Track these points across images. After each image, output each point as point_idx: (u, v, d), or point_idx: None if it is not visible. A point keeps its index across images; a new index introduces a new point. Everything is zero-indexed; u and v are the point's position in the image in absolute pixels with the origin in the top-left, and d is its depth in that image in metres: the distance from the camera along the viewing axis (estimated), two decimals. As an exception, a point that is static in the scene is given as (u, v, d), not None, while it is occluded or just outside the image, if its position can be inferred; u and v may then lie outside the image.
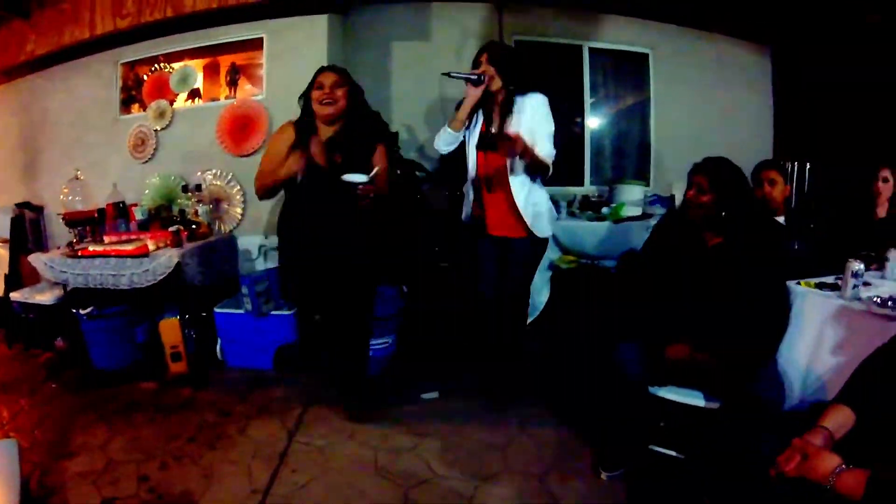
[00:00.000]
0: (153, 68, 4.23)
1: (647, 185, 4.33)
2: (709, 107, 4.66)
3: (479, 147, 2.69)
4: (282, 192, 2.69)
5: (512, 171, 2.63)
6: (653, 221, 3.56)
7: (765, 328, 2.11)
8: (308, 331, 3.37)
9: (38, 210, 4.54)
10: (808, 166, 4.18)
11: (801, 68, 4.52)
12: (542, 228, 2.76)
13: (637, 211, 3.75)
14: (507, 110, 2.62)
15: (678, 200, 3.74)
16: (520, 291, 2.92)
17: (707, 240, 2.21)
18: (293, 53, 3.84)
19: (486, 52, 2.63)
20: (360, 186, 2.41)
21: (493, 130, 2.68)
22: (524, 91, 2.63)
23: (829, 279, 2.38)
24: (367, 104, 2.74)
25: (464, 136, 2.73)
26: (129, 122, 4.29)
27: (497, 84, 2.60)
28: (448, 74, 2.61)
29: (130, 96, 4.33)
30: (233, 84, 4.11)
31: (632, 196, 3.84)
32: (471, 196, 2.83)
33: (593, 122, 4.60)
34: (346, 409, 2.84)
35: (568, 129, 4.56)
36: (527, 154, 2.47)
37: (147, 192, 4.01)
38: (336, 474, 2.38)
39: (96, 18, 4.00)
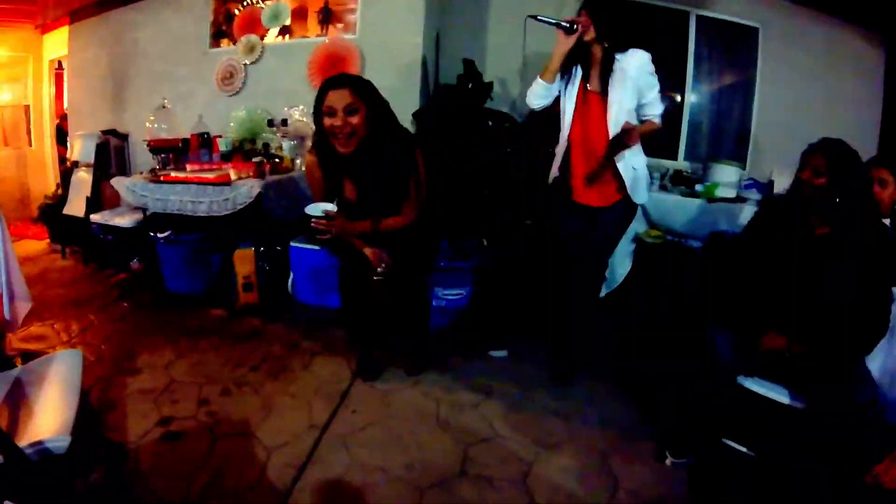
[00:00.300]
0: (245, 3, 4.22)
1: (744, 167, 4.06)
2: (816, 93, 4.33)
3: (609, 155, 2.46)
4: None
5: (612, 126, 2.44)
6: (748, 206, 3.34)
7: (865, 330, 1.92)
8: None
9: (124, 138, 4.69)
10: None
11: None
12: (641, 193, 2.58)
13: (731, 193, 3.50)
14: (607, 68, 2.42)
15: (778, 187, 3.48)
16: (600, 260, 2.74)
17: (814, 227, 2.02)
18: (389, -1, 3.75)
19: (585, 5, 2.41)
20: (313, 220, 2.19)
21: (590, 88, 2.48)
22: (624, 48, 2.42)
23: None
24: (394, 117, 2.33)
25: (559, 91, 2.54)
26: (217, 55, 4.33)
27: (592, 35, 2.37)
28: (534, 17, 2.39)
29: (220, 30, 4.35)
30: (325, 22, 4.04)
31: (727, 177, 3.59)
32: (560, 158, 2.63)
33: (693, 95, 4.34)
34: (407, 370, 2.74)
35: (667, 99, 4.30)
36: (639, 137, 2.40)
37: (232, 124, 4.02)
38: (396, 421, 2.33)
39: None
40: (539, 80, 2.47)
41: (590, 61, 2.46)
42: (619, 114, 2.40)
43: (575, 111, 2.52)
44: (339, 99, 2.11)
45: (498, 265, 3.15)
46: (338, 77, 2.21)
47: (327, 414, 2.34)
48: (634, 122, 2.43)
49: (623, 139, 2.34)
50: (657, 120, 2.49)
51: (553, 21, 2.36)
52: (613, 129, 2.42)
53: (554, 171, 2.67)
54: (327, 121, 2.14)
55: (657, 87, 2.45)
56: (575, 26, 2.34)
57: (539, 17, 2.37)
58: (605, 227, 2.62)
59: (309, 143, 3.81)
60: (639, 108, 2.47)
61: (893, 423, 1.99)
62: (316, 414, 2.34)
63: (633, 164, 2.50)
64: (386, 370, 2.73)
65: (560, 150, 2.61)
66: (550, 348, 2.93)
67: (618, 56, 2.39)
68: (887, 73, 4.42)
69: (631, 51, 2.41)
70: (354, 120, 2.13)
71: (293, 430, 2.23)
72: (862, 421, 1.87)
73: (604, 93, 2.43)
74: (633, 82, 2.39)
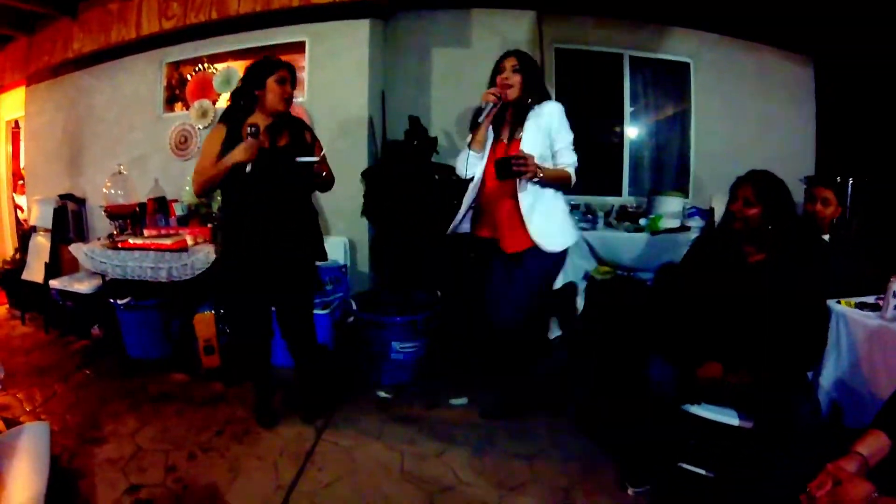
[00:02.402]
0: (197, 69, 4.32)
1: (686, 196, 4.24)
2: (750, 119, 4.56)
3: (499, 177, 2.45)
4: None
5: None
6: (691, 234, 3.49)
7: (804, 348, 2.03)
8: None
9: (81, 202, 4.68)
10: (851, 182, 4.07)
11: (845, 81, 4.40)
12: (551, 241, 2.54)
13: (675, 223, 3.66)
14: (521, 118, 2.51)
15: (718, 214, 3.66)
16: (520, 316, 2.65)
17: (748, 255, 2.14)
18: (335, 57, 3.89)
19: (515, 57, 2.53)
20: (315, 165, 2.44)
21: (504, 140, 2.56)
22: (539, 101, 2.53)
23: (870, 299, 2.31)
24: None
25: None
26: (171, 120, 4.39)
27: (514, 93, 2.49)
28: (476, 120, 2.53)
29: (174, 95, 4.44)
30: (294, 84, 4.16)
31: (670, 207, 3.76)
32: (469, 204, 2.67)
33: (632, 131, 4.53)
34: (303, 418, 2.81)
35: (607, 138, 4.52)
36: (538, 174, 2.39)
37: (187, 188, 4.08)
38: (362, 476, 2.37)
39: (142, 19, 4.12)
40: (470, 151, 2.57)
41: (505, 115, 2.58)
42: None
43: (488, 162, 2.57)
44: (289, 73, 2.51)
45: (452, 315, 3.24)
46: (285, 62, 2.56)
47: (293, 473, 2.37)
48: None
49: (514, 164, 2.33)
50: (570, 169, 2.51)
51: (485, 112, 2.48)
52: (521, 183, 2.48)
53: (459, 223, 2.73)
54: (279, 88, 2.46)
55: (569, 137, 2.52)
56: (499, 98, 2.46)
57: (479, 120, 2.52)
58: (521, 273, 2.60)
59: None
60: (553, 157, 2.53)
61: (851, 426, 2.09)
62: (282, 474, 2.37)
63: (540, 208, 2.51)
64: (353, 422, 2.79)
65: (467, 200, 2.66)
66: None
67: (534, 108, 2.50)
68: (818, 93, 4.66)
69: (545, 102, 2.52)
70: (293, 89, 2.55)
71: (261, 492, 2.25)
72: (810, 436, 1.97)
73: (517, 136, 2.51)
74: (546, 130, 2.48)
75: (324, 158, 2.49)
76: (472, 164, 2.59)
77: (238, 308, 2.72)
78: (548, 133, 2.49)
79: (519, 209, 2.49)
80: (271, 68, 2.48)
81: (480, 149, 2.57)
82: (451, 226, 2.73)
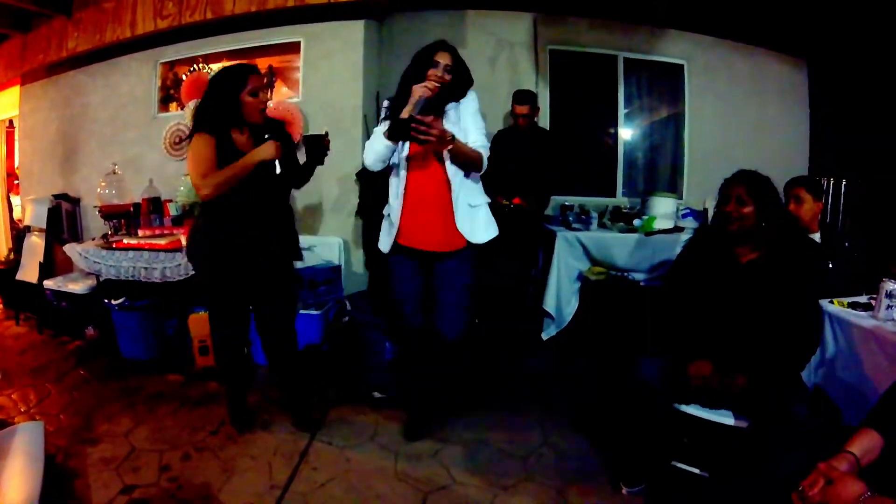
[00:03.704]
0: (192, 68, 4.32)
1: (680, 197, 4.27)
2: (744, 120, 4.61)
3: (391, 137, 2.33)
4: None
5: (448, 164, 2.39)
6: (685, 235, 3.51)
7: (796, 347, 2.04)
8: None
9: (75, 202, 4.68)
10: (843, 183, 4.10)
11: (837, 82, 4.43)
12: (478, 234, 2.47)
13: (669, 224, 3.69)
14: (437, 112, 2.39)
15: (711, 214, 3.69)
16: (459, 325, 2.58)
17: (740, 256, 2.16)
18: (330, 58, 3.90)
19: (450, 55, 2.40)
20: (326, 139, 2.49)
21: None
22: (463, 94, 2.45)
23: (863, 299, 2.34)
24: None
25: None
26: (166, 120, 4.40)
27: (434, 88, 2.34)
28: (400, 113, 2.31)
29: (168, 95, 4.44)
30: (269, 86, 4.17)
31: (664, 208, 3.78)
32: (395, 212, 2.50)
33: (627, 133, 4.57)
34: (296, 424, 2.77)
35: (601, 139, 4.56)
36: (447, 139, 2.24)
37: (182, 188, 4.07)
38: (355, 476, 2.38)
39: (137, 18, 4.12)
40: (385, 140, 2.36)
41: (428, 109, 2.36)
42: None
43: (410, 162, 2.45)
44: (260, 80, 2.43)
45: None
46: (252, 66, 2.54)
47: (287, 473, 2.37)
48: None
49: (413, 127, 2.17)
50: (482, 151, 2.41)
51: (418, 107, 2.27)
52: (450, 167, 2.39)
53: (386, 235, 2.58)
54: (252, 99, 2.38)
55: (479, 123, 2.45)
56: (432, 93, 2.33)
57: (412, 114, 2.24)
58: (449, 275, 2.52)
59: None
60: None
61: (849, 425, 2.07)
62: (276, 474, 2.37)
63: (469, 201, 2.45)
64: (347, 422, 2.80)
65: (396, 205, 2.50)
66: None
67: (452, 103, 2.43)
68: (811, 95, 4.70)
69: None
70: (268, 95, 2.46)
71: (255, 491, 2.26)
72: (795, 437, 1.99)
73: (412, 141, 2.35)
74: (461, 119, 2.42)
75: (327, 134, 2.52)
76: (383, 157, 2.43)
77: (218, 309, 2.65)
78: (463, 118, 2.43)
79: (450, 203, 2.42)
80: (241, 82, 2.37)
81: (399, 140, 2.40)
82: (382, 242, 2.61)
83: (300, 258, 2.75)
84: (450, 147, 2.29)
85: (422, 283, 2.60)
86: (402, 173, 2.47)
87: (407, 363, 2.89)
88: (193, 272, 3.06)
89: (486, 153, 2.43)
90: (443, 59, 2.38)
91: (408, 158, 2.45)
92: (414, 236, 2.49)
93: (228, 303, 2.60)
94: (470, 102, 2.45)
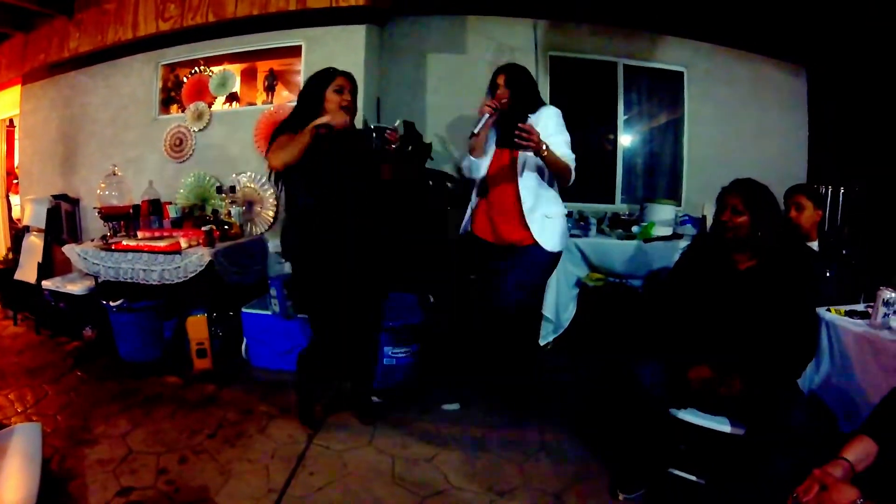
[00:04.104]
0: (193, 71, 4.34)
1: (679, 204, 4.28)
2: (743, 127, 4.62)
3: (499, 145, 2.70)
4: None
5: (521, 174, 2.65)
6: (683, 242, 3.53)
7: (793, 354, 2.06)
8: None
9: (74, 203, 4.67)
10: (841, 190, 4.12)
11: (837, 88, 4.45)
12: (549, 240, 2.69)
13: (668, 231, 3.70)
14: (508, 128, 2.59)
15: (710, 221, 3.70)
16: (526, 301, 2.83)
17: (738, 263, 2.17)
18: (331, 62, 3.84)
19: (504, 73, 2.67)
20: (388, 133, 2.48)
21: (503, 146, 2.70)
22: (535, 109, 2.67)
23: (860, 307, 2.35)
24: None
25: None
26: (166, 122, 4.40)
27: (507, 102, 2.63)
28: (473, 134, 2.59)
29: (169, 97, 4.45)
30: (270, 89, 4.19)
31: (663, 215, 3.80)
32: (474, 206, 2.86)
33: (626, 139, 4.58)
34: (360, 417, 2.85)
35: (600, 145, 4.56)
36: (542, 148, 2.44)
37: (181, 190, 4.10)
38: (353, 480, 2.37)
39: (139, 20, 4.13)
40: (471, 158, 2.72)
41: (506, 125, 2.64)
42: (527, 163, 2.62)
43: (489, 168, 2.73)
44: (347, 82, 2.57)
45: (444, 320, 3.26)
46: (344, 70, 2.64)
47: (285, 477, 2.37)
48: (545, 178, 2.66)
49: (517, 134, 2.39)
50: (569, 161, 2.60)
51: (481, 123, 2.56)
52: (523, 180, 2.64)
53: (465, 225, 2.90)
54: (337, 97, 2.50)
55: (565, 137, 2.64)
56: (496, 109, 2.57)
57: (474, 132, 2.57)
58: (523, 262, 2.71)
59: (258, 209, 3.96)
60: None
61: (844, 432, 2.10)
62: (274, 477, 2.37)
63: (542, 210, 2.67)
64: (344, 426, 2.80)
65: (474, 199, 2.85)
66: (501, 397, 3.03)
67: (531, 116, 2.63)
68: (811, 101, 4.71)
69: (542, 108, 2.67)
70: (353, 98, 2.59)
71: (252, 494, 2.25)
72: (801, 442, 1.99)
73: (516, 147, 2.54)
74: (543, 131, 2.51)
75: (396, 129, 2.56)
76: (477, 169, 2.74)
77: (313, 309, 2.71)
78: (545, 136, 2.51)
79: (521, 209, 2.64)
80: (328, 78, 2.53)
81: (480, 155, 2.70)
82: (462, 227, 2.91)
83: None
84: (545, 154, 2.46)
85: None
86: (482, 184, 2.79)
87: None
88: (194, 274, 3.10)
89: (573, 164, 2.61)
90: (501, 79, 2.66)
91: (487, 171, 2.74)
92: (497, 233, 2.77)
93: (322, 300, 2.62)
94: (551, 116, 2.64)
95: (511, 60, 2.78)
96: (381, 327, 2.89)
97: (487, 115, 2.55)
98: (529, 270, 2.75)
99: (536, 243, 2.66)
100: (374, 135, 2.49)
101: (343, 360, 2.80)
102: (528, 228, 2.65)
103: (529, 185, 2.65)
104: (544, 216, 2.67)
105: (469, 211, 2.88)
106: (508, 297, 2.73)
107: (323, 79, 2.54)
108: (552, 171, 2.61)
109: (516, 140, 2.41)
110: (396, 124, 2.61)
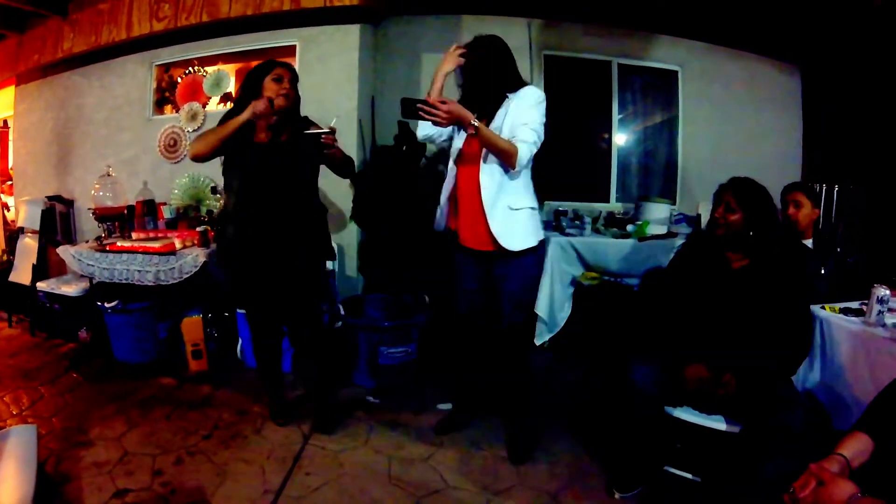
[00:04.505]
0: (187, 71, 4.33)
1: (674, 203, 4.30)
2: (737, 126, 4.63)
3: (403, 115, 2.26)
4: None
5: (485, 159, 2.32)
6: (678, 240, 3.53)
7: (787, 352, 2.06)
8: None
9: (69, 204, 4.66)
10: (836, 188, 4.13)
11: (831, 88, 4.47)
12: (517, 239, 2.35)
13: (662, 229, 3.71)
14: (496, 107, 2.33)
15: (704, 220, 3.71)
16: (516, 317, 2.51)
17: (731, 261, 2.18)
18: (325, 61, 3.90)
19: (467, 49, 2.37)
20: (323, 136, 2.34)
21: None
22: (515, 87, 2.34)
23: (854, 304, 2.36)
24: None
25: (449, 142, 2.51)
26: (161, 122, 4.39)
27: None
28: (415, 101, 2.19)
29: (164, 97, 4.43)
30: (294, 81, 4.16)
31: (657, 214, 3.81)
32: (444, 204, 2.53)
33: (621, 138, 4.58)
34: (314, 426, 2.78)
35: (595, 144, 4.57)
36: (471, 129, 2.18)
37: (176, 191, 4.09)
38: (349, 480, 2.38)
39: (133, 20, 4.12)
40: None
41: (480, 106, 2.32)
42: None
43: (459, 155, 2.42)
44: (286, 72, 2.51)
45: (440, 320, 3.25)
46: (283, 61, 2.60)
47: (281, 477, 2.37)
48: None
49: (419, 106, 2.14)
50: (520, 145, 2.21)
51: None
52: (486, 166, 2.32)
53: (439, 221, 2.59)
54: (275, 85, 2.45)
55: (534, 116, 2.27)
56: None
57: (418, 100, 2.19)
58: (496, 277, 2.46)
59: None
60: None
61: (838, 429, 2.11)
62: (270, 478, 2.37)
63: (505, 203, 2.34)
64: (340, 426, 2.80)
65: (444, 197, 2.52)
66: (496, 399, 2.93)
67: (509, 95, 2.32)
68: (805, 101, 4.73)
69: (522, 88, 2.33)
70: (292, 88, 2.52)
71: (248, 495, 2.25)
72: (796, 440, 2.00)
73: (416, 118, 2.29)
74: (515, 109, 2.28)
75: (333, 131, 2.37)
76: (422, 127, 2.46)
77: (249, 315, 2.75)
78: (515, 114, 2.28)
79: (481, 202, 2.33)
80: (267, 68, 2.51)
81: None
82: (435, 222, 2.61)
83: (332, 257, 2.76)
84: (472, 132, 2.21)
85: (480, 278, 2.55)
86: (452, 172, 2.46)
87: None
88: (189, 275, 3.10)
89: (527, 148, 2.23)
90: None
91: (458, 156, 2.42)
92: (464, 238, 2.49)
93: (254, 307, 2.68)
94: (526, 97, 2.30)
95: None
96: (317, 329, 2.76)
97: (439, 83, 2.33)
98: (511, 280, 2.44)
99: (500, 246, 2.34)
100: (308, 140, 2.36)
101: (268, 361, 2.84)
102: (488, 224, 2.32)
103: (493, 172, 2.32)
104: (507, 207, 2.33)
105: (442, 201, 2.54)
106: (504, 322, 2.49)
107: (262, 69, 2.52)
108: (491, 153, 2.28)
109: (420, 114, 2.16)
110: (333, 123, 2.38)
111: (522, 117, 2.25)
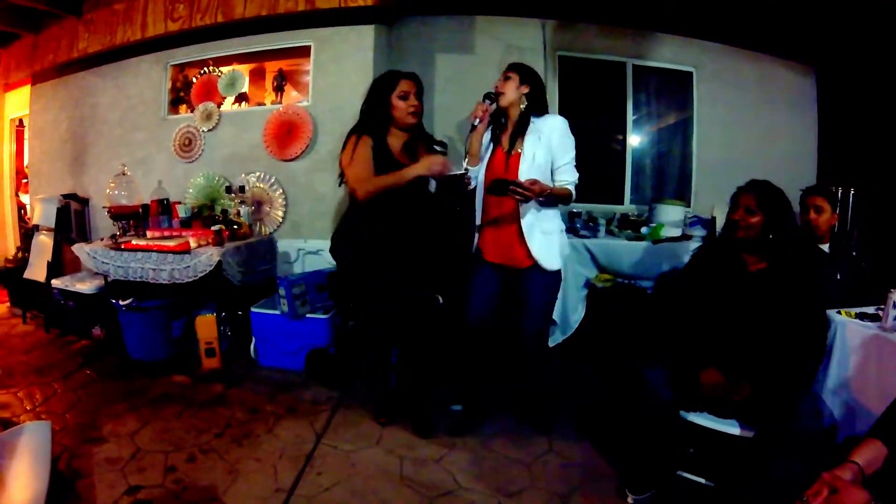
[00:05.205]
0: (202, 71, 4.35)
1: (688, 205, 4.25)
2: (752, 128, 4.58)
3: (489, 192, 2.51)
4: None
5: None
6: (692, 243, 3.50)
7: (803, 356, 2.05)
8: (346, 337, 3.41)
9: (84, 202, 4.70)
10: (852, 192, 4.08)
11: (846, 89, 4.42)
12: (551, 260, 2.54)
13: (676, 232, 3.68)
14: (522, 128, 2.50)
15: (719, 223, 3.67)
16: (540, 325, 2.72)
17: (749, 264, 2.16)
18: (339, 62, 3.90)
19: (514, 70, 2.54)
20: (465, 178, 2.49)
21: (503, 149, 2.54)
22: (540, 113, 2.53)
23: (870, 309, 2.34)
24: None
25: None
26: (175, 122, 4.41)
27: (508, 100, 2.50)
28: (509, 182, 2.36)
29: (178, 97, 4.46)
30: (279, 90, 4.19)
31: (672, 216, 3.77)
32: (479, 223, 2.69)
33: (635, 139, 4.55)
34: (414, 430, 2.78)
35: (609, 146, 4.54)
36: (545, 194, 2.39)
37: (191, 190, 4.11)
38: (360, 480, 2.38)
39: (148, 20, 4.15)
40: (466, 166, 2.55)
41: (505, 125, 2.58)
42: (530, 169, 2.44)
43: (487, 172, 2.57)
44: (412, 86, 2.55)
45: (453, 321, 3.24)
46: (409, 72, 2.63)
47: (293, 476, 2.38)
48: (548, 183, 2.46)
49: (511, 189, 2.30)
50: (570, 187, 2.50)
51: (473, 125, 2.51)
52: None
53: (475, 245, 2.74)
54: (401, 103, 2.51)
55: (571, 154, 2.50)
56: (493, 95, 2.50)
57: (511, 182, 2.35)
58: (532, 287, 2.59)
59: (267, 209, 3.96)
60: (553, 173, 2.50)
61: (847, 435, 2.12)
62: (281, 477, 2.38)
63: (541, 227, 2.52)
64: (353, 426, 2.80)
65: (478, 222, 2.69)
66: (511, 401, 3.01)
67: (533, 118, 2.49)
68: (820, 102, 4.68)
69: (548, 116, 2.52)
70: (419, 102, 2.58)
71: (260, 494, 2.26)
72: (802, 447, 1.98)
73: (517, 149, 2.50)
74: (547, 142, 2.45)
75: (445, 146, 2.58)
76: (474, 177, 2.60)
77: (372, 326, 2.80)
78: (548, 148, 2.46)
79: (520, 226, 2.50)
80: (391, 84, 2.52)
81: (476, 163, 2.57)
82: (474, 246, 2.74)
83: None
84: (542, 199, 2.43)
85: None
86: (481, 197, 2.63)
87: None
88: (203, 274, 3.11)
89: (573, 187, 2.51)
90: (504, 74, 2.56)
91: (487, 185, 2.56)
92: (490, 254, 2.66)
93: (382, 327, 2.75)
94: (558, 130, 2.48)
95: (520, 60, 2.69)
96: (427, 344, 2.88)
97: (477, 121, 2.48)
98: (539, 295, 2.61)
99: (537, 263, 2.52)
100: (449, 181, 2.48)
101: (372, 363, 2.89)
102: (527, 247, 2.50)
103: (529, 205, 2.49)
104: (542, 233, 2.52)
105: (476, 229, 2.72)
106: (527, 329, 2.66)
107: (386, 84, 2.53)
108: (552, 205, 2.55)
109: (510, 195, 2.33)
110: (466, 166, 2.53)
111: (563, 156, 2.48)
